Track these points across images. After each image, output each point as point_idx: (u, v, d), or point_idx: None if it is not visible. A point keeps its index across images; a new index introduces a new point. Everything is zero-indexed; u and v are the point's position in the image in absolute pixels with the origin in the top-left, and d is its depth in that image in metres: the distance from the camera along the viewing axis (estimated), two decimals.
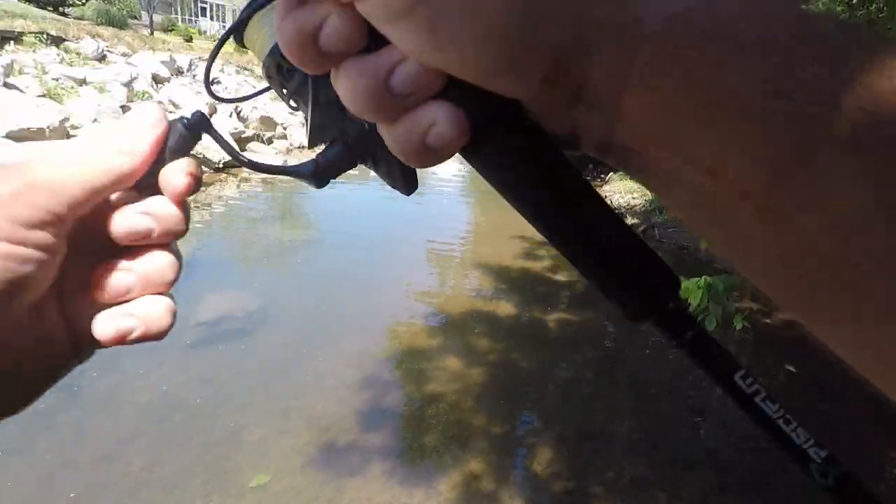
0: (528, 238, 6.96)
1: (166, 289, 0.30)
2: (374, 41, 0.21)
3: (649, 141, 0.21)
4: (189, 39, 19.75)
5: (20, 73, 7.91)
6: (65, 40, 10.54)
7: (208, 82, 0.37)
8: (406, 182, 0.34)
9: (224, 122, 10.35)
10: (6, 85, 7.11)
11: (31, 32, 9.85)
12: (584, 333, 4.31)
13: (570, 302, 4.93)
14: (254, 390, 3.11)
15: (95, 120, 7.65)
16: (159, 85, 10.56)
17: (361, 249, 6.11)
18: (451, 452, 2.71)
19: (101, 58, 10.55)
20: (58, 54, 9.57)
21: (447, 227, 7.56)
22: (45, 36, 10.13)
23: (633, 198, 8.81)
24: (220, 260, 5.39)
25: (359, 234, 6.79)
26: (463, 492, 2.43)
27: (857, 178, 0.17)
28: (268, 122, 12.17)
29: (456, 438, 2.82)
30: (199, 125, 0.30)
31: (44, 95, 7.50)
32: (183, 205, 0.30)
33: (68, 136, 6.74)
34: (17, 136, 5.85)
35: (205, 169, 4.70)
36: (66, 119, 6.81)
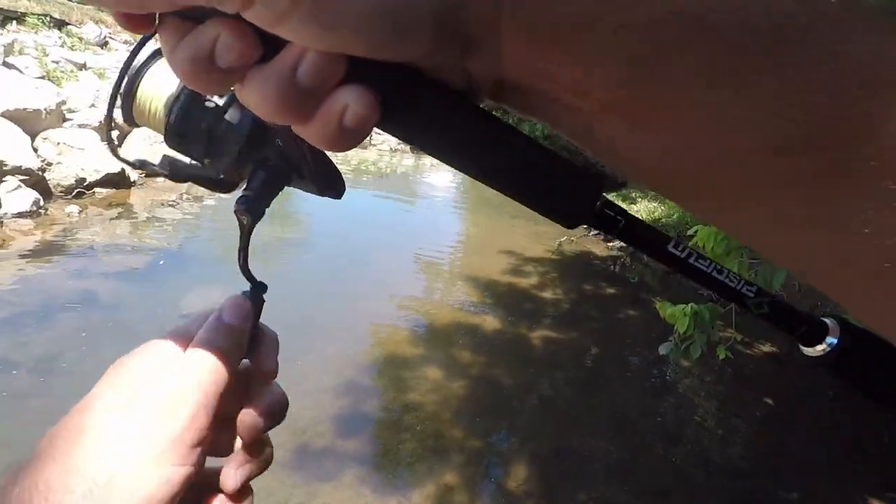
0: (517, 254, 7.00)
1: None
2: (269, 47, 0.21)
3: (531, 74, 0.22)
4: None
5: (20, 53, 7.85)
6: (68, 24, 10.48)
7: (113, 147, 0.39)
8: (335, 188, 0.35)
9: None
10: (5, 64, 7.05)
11: (34, 14, 9.79)
12: (566, 353, 4.32)
13: (555, 320, 4.95)
14: None
15: (93, 105, 7.59)
16: None
17: (349, 253, 6.10)
18: (426, 463, 2.70)
19: (104, 44, 10.50)
20: (59, 37, 9.51)
21: (436, 236, 7.58)
22: (48, 18, 10.07)
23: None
24: (207, 253, 5.36)
25: (347, 238, 6.78)
26: (436, 501, 2.42)
27: (701, 75, 0.19)
28: None
29: (432, 449, 2.81)
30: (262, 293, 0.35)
31: (43, 77, 7.43)
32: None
33: (64, 120, 6.68)
34: (13, 116, 5.79)
35: None
36: (64, 102, 6.75)
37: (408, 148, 19.70)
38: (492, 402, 3.43)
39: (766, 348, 4.96)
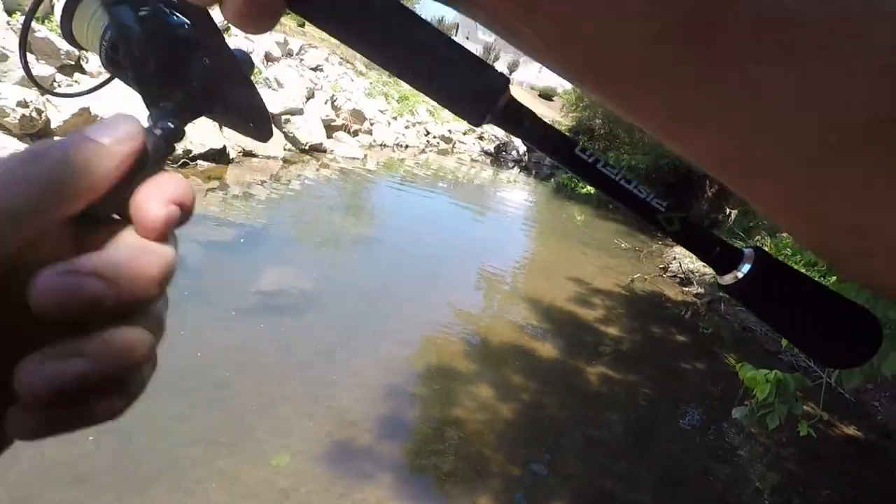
0: (585, 283, 6.81)
1: (135, 370, 0.22)
2: None
3: None
4: (302, 24, 20.90)
5: None
6: None
7: (27, 65, 0.37)
8: (259, 129, 0.34)
9: (318, 108, 10.84)
10: None
11: None
12: (622, 394, 4.14)
13: (615, 359, 4.76)
14: (289, 369, 3.20)
15: None
16: (269, 63, 11.22)
17: (416, 256, 6.19)
18: (464, 482, 2.67)
19: (226, 28, 11.36)
20: None
21: (504, 252, 7.53)
22: None
23: (704, 266, 8.43)
24: (288, 236, 5.62)
25: (416, 240, 6.88)
26: None
27: None
28: (358, 116, 12.64)
29: (472, 469, 2.78)
30: (175, 137, 0.28)
31: None
32: (164, 244, 0.23)
33: None
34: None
35: (291, 148, 4.98)
36: None
37: (488, 160, 19.78)
38: (539, 431, 3.35)
39: (850, 431, 4.52)
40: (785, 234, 8.52)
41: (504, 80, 0.26)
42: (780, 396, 2.22)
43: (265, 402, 2.84)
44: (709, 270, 8.32)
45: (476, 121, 0.27)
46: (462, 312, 4.79)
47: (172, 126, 0.28)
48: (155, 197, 0.22)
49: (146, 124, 0.27)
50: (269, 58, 11.28)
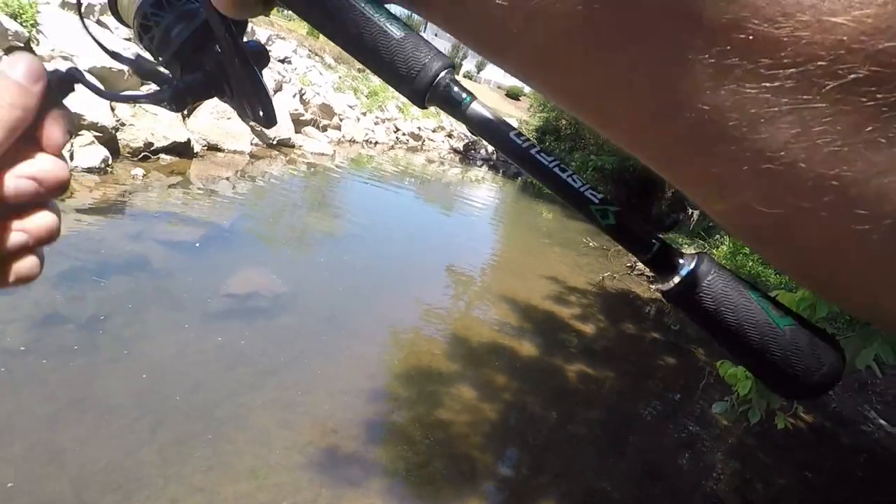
0: (560, 281, 6.87)
1: (51, 242, 0.31)
2: None
3: None
4: (267, 14, 20.32)
5: None
6: None
7: (105, 47, 0.41)
8: (266, 115, 0.36)
9: (287, 102, 10.55)
10: (99, 22, 7.37)
11: None
12: (601, 391, 4.19)
13: (592, 356, 4.82)
14: (265, 375, 3.08)
15: None
16: None
17: (387, 254, 6.11)
18: (454, 485, 2.62)
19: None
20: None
21: (472, 251, 7.52)
22: None
23: None
24: (256, 235, 5.43)
25: (387, 237, 6.79)
26: None
27: None
28: (327, 110, 12.38)
29: (460, 472, 2.74)
30: (73, 77, 0.31)
31: (129, 40, 7.74)
32: (62, 158, 0.31)
33: (142, 85, 6.93)
34: (99, 74, 6.04)
35: (258, 143, 4.82)
36: None
37: (457, 158, 19.76)
38: (523, 430, 3.34)
39: (808, 418, 4.71)
40: None
41: (446, 63, 0.27)
42: (759, 391, 2.27)
43: (241, 412, 2.72)
44: None
45: (419, 101, 0.27)
46: (435, 313, 4.74)
47: (70, 71, 0.31)
48: (59, 127, 0.30)
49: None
50: None
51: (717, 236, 9.62)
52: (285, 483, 2.34)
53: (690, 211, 12.12)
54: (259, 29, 13.01)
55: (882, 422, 4.72)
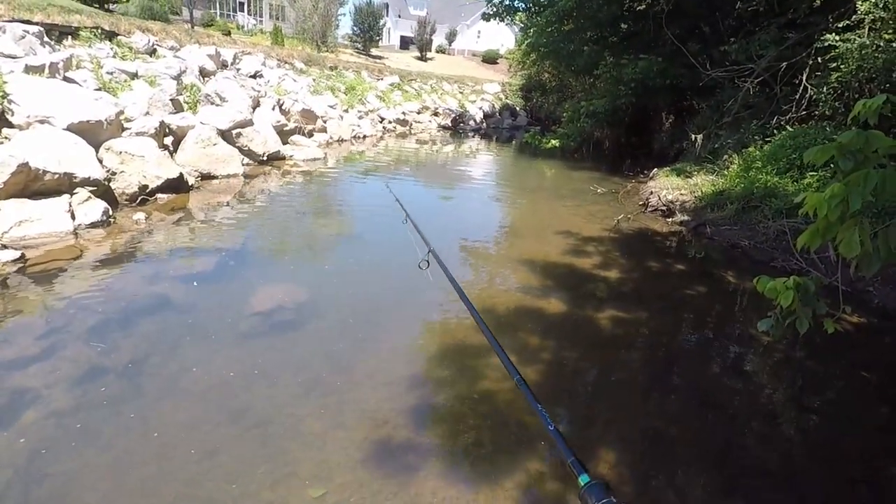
0: (574, 234, 6.82)
1: None
2: None
3: None
4: (228, 34, 20.16)
5: (77, 67, 8.19)
6: (117, 35, 10.87)
7: None
8: None
9: (267, 115, 10.50)
10: (66, 79, 7.37)
11: (86, 27, 10.19)
12: (637, 333, 4.17)
13: (622, 300, 4.79)
14: (308, 383, 3.12)
15: (147, 113, 7.86)
16: (206, 78, 10.79)
17: (399, 243, 6.08)
18: (510, 452, 2.64)
19: (152, 52, 10.84)
20: (111, 48, 9.87)
21: (484, 223, 7.48)
22: (99, 30, 10.47)
23: (681, 194, 8.51)
24: (268, 252, 5.46)
25: (395, 228, 6.77)
26: (527, 491, 2.37)
27: None
28: (309, 115, 12.31)
29: (514, 438, 2.76)
30: None
31: (100, 89, 7.74)
32: None
33: (122, 129, 6.94)
34: (78, 129, 6.05)
35: (249, 162, 4.83)
36: (121, 112, 7.01)
37: (447, 134, 19.58)
38: (567, 386, 3.34)
39: (854, 319, 4.65)
40: (752, 149, 8.62)
41: None
42: (803, 300, 2.23)
43: (293, 422, 2.76)
44: (687, 198, 8.42)
45: None
46: (465, 289, 4.72)
47: None
48: None
49: None
50: (203, 73, 10.85)
51: (725, 157, 9.42)
52: (349, 481, 2.38)
53: (694, 137, 11.86)
54: (223, 49, 12.90)
55: None
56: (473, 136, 20.32)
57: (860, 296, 5.10)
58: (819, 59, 8.02)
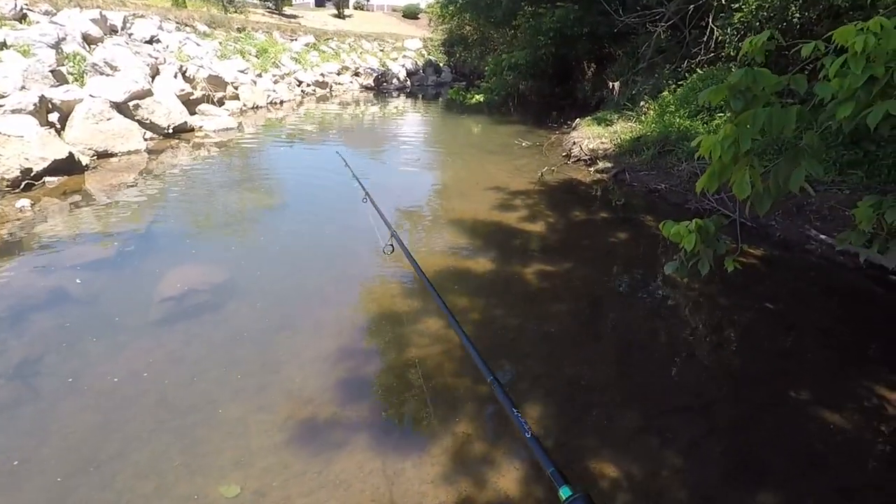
0: (501, 189, 6.83)
1: None
2: None
3: None
4: None
5: None
6: None
7: None
8: None
9: (169, 84, 9.65)
10: None
11: None
12: (563, 284, 4.26)
13: (547, 252, 4.87)
14: (228, 367, 2.96)
15: (23, 87, 6.98)
16: (92, 46, 9.70)
17: (325, 214, 5.88)
18: (439, 416, 2.64)
19: (21, 17, 9.56)
20: None
21: (414, 184, 7.34)
22: None
23: (602, 142, 8.70)
24: (180, 232, 5.09)
25: (320, 199, 6.52)
26: (455, 454, 2.38)
27: None
28: (217, 82, 11.45)
29: (442, 402, 2.75)
30: None
31: None
32: None
33: None
34: None
35: (153, 136, 4.43)
36: None
37: (371, 95, 18.92)
38: (496, 344, 3.37)
39: (758, 253, 4.98)
40: (665, 93, 8.88)
41: None
42: (705, 241, 2.30)
43: (212, 410, 2.61)
44: (608, 146, 8.62)
45: None
46: (384, 257, 4.63)
47: None
48: None
49: None
50: (88, 40, 9.73)
51: (642, 103, 9.68)
52: (272, 464, 2.29)
53: (612, 84, 12.10)
54: (110, 12, 11.61)
55: (823, 237, 5.02)
56: (398, 96, 19.78)
57: (764, 230, 5.46)
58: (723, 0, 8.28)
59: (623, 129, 8.92)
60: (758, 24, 7.53)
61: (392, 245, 2.39)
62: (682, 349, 3.43)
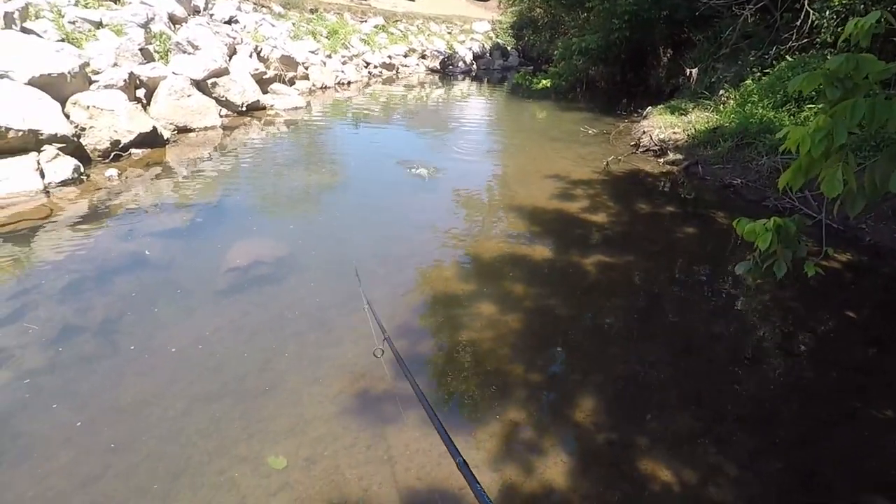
0: (563, 177, 6.66)
1: None
2: None
3: None
4: None
5: (37, 17, 7.72)
6: None
7: None
8: None
9: (244, 63, 10.04)
10: (23, 30, 6.94)
11: None
12: (623, 277, 4.11)
13: (609, 244, 4.71)
14: (285, 339, 3.08)
15: (115, 64, 7.48)
16: (176, 25, 10.23)
17: (387, 195, 5.95)
18: (489, 401, 2.63)
19: None
20: None
21: (474, 168, 7.29)
22: None
23: (675, 132, 8.28)
24: (247, 206, 5.32)
25: (382, 179, 6.60)
26: (503, 440, 2.37)
27: None
28: (289, 62, 11.81)
29: (493, 386, 2.74)
30: None
31: (62, 40, 7.32)
32: None
33: (89, 82, 6.61)
34: (39, 83, 5.74)
35: (228, 113, 4.61)
36: (87, 63, 6.65)
37: (436, 77, 18.90)
38: (550, 333, 3.31)
39: (843, 258, 4.59)
40: (749, 82, 8.30)
41: None
42: (783, 242, 2.13)
43: (268, 378, 2.73)
44: (680, 136, 8.19)
45: None
46: (444, 239, 4.65)
47: None
48: None
49: None
50: (173, 20, 10.27)
51: (721, 92, 9.10)
52: (323, 435, 2.37)
53: (689, 71, 11.43)
54: None
55: None
56: (463, 79, 19.64)
57: (852, 233, 5.03)
58: None
59: (698, 118, 8.43)
60: (862, 6, 6.84)
61: (382, 349, 2.30)
62: (746, 355, 3.23)
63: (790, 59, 8.10)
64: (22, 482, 2.08)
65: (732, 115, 7.79)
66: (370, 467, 2.21)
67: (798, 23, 8.04)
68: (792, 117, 7.01)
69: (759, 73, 8.51)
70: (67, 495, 2.04)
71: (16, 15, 6.79)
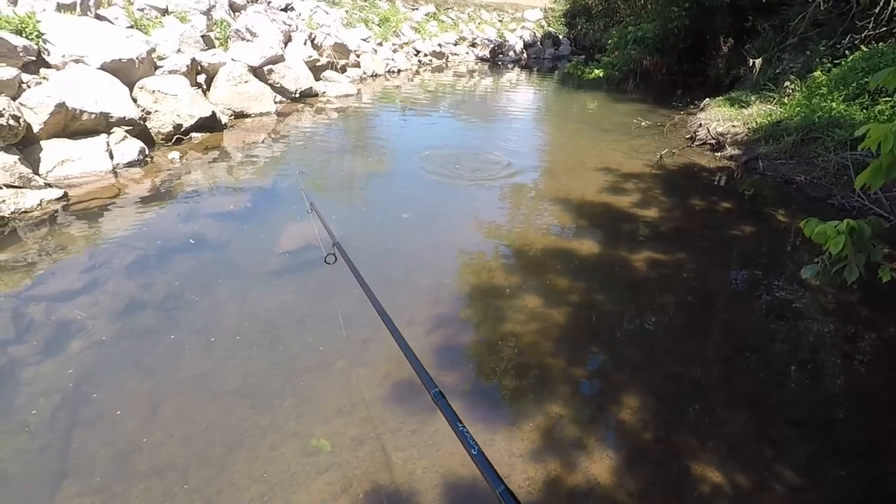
0: (613, 170, 6.50)
1: None
2: None
3: None
4: None
5: (109, 4, 8.12)
6: None
7: None
8: None
9: (299, 50, 10.25)
10: (98, 17, 7.33)
11: None
12: (674, 275, 4.00)
13: (660, 240, 4.58)
14: (334, 320, 3.16)
15: (179, 50, 7.79)
16: (236, 13, 10.55)
17: (432, 181, 5.98)
18: (532, 394, 2.63)
19: None
20: None
21: (523, 158, 7.21)
22: None
23: (733, 125, 7.92)
24: (299, 190, 5.46)
25: (432, 168, 6.62)
26: (546, 434, 2.37)
27: None
28: (341, 49, 11.97)
29: (536, 379, 2.74)
30: None
31: (132, 26, 7.68)
32: None
33: (155, 68, 6.92)
34: (111, 68, 6.07)
35: (281, 99, 4.73)
36: (153, 49, 6.97)
37: (486, 66, 18.74)
38: (595, 329, 3.27)
39: None
40: (817, 73, 7.82)
41: None
42: (857, 245, 2.02)
43: (318, 359, 2.82)
44: (740, 129, 7.84)
45: None
46: (493, 229, 4.64)
47: None
48: None
49: None
50: (234, 7, 10.58)
51: (786, 83, 8.62)
52: (370, 417, 2.44)
53: (752, 62, 10.87)
54: None
55: None
56: (513, 68, 19.38)
57: None
58: None
59: (760, 111, 8.03)
60: None
61: (335, 254, 2.52)
62: (803, 359, 3.09)
63: (865, 49, 7.58)
64: (95, 443, 2.24)
65: (798, 108, 7.37)
66: (415, 451, 2.26)
67: (877, 10, 7.51)
68: (864, 111, 6.57)
69: (829, 64, 8.01)
70: (135, 459, 2.18)
71: (91, 2, 7.17)
